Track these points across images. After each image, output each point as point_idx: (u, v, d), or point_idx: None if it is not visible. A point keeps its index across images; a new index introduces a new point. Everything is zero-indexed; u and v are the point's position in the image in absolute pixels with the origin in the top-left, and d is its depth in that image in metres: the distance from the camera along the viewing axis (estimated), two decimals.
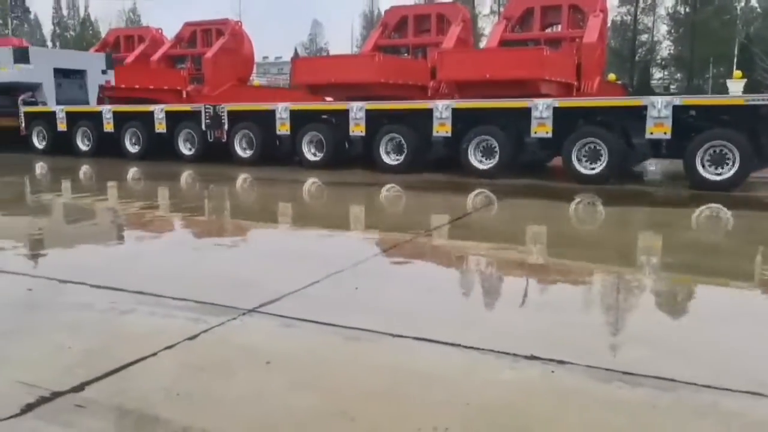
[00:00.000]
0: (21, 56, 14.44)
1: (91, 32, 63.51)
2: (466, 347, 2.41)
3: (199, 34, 21.96)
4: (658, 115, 7.61)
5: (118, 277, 3.39)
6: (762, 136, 7.24)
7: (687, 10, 42.20)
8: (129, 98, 18.23)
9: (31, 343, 2.48)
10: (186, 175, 9.20)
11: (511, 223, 5.67)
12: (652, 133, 7.67)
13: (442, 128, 8.92)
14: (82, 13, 70.99)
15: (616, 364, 2.29)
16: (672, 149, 7.73)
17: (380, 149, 9.39)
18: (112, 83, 16.01)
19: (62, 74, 14.93)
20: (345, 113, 9.83)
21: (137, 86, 18.49)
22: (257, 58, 25.88)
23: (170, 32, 22.69)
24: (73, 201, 7.16)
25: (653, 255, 4.45)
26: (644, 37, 44.83)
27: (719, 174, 7.26)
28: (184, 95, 20.22)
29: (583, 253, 4.29)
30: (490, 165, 8.61)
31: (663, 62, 45.21)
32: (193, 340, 2.49)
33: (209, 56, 20.94)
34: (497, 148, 8.53)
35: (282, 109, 10.25)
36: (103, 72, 16.28)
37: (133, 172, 9.74)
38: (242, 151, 10.72)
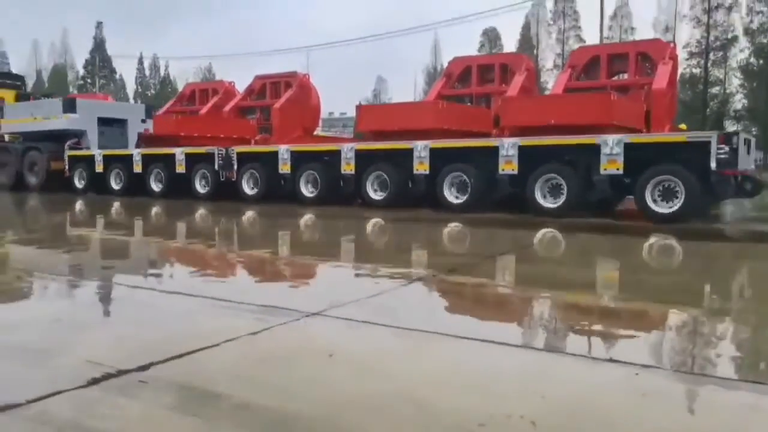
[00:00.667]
0: (69, 106, 15.85)
1: (169, 90, 67.52)
2: (536, 349, 2.29)
3: (268, 86, 22.96)
4: (611, 153, 7.97)
5: (188, 286, 3.44)
6: (708, 170, 7.32)
7: (761, 62, 41.01)
8: (199, 146, 19.07)
9: (102, 332, 2.52)
10: (250, 214, 9.41)
11: (571, 258, 5.47)
12: (605, 169, 7.99)
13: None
14: (162, 73, 75.82)
15: (707, 370, 2.10)
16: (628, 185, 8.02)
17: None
18: (151, 131, 16.94)
19: (105, 123, 16.18)
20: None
21: (209, 135, 19.35)
22: (323, 114, 26.73)
23: (242, 85, 23.83)
24: (126, 231, 7.43)
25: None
26: (716, 90, 43.70)
27: (670, 207, 7.50)
28: (252, 144, 21.00)
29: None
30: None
31: (736, 114, 43.76)
32: (256, 335, 2.47)
33: (277, 107, 21.77)
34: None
35: (284, 151, 11.09)
36: (143, 121, 17.58)
37: (184, 208, 10.08)
38: (249, 189, 11.43)
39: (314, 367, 2.10)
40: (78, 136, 15.57)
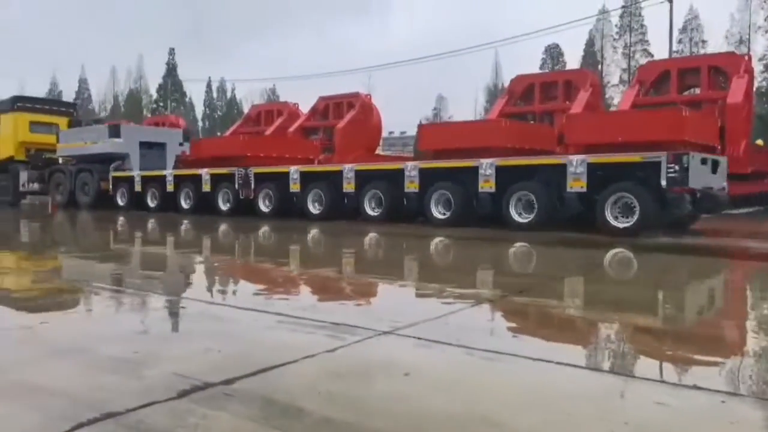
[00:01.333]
0: (114, 132, 17.46)
1: (236, 111, 69.86)
2: (613, 373, 2.24)
3: (331, 106, 23.45)
4: (575, 172, 8.57)
5: (260, 303, 3.55)
6: (662, 187, 7.86)
7: None
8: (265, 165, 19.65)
9: (185, 346, 2.64)
10: (314, 233, 9.59)
11: (644, 279, 5.29)
12: (571, 187, 8.60)
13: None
14: (229, 95, 78.58)
15: None
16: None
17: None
18: (188, 153, 18.35)
19: (147, 146, 17.72)
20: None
21: (274, 155, 19.87)
22: (383, 133, 27.03)
23: (306, 106, 24.42)
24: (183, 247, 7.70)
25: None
26: None
27: (627, 222, 8.15)
28: (316, 164, 21.43)
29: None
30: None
31: None
32: (332, 352, 2.52)
33: (340, 127, 22.18)
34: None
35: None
36: (180, 144, 18.83)
37: (242, 224, 10.34)
38: (265, 206, 12.19)
39: (391, 385, 2.13)
40: (122, 158, 17.10)
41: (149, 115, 56.52)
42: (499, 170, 9.56)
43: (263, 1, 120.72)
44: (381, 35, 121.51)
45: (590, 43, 54.96)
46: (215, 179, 13.92)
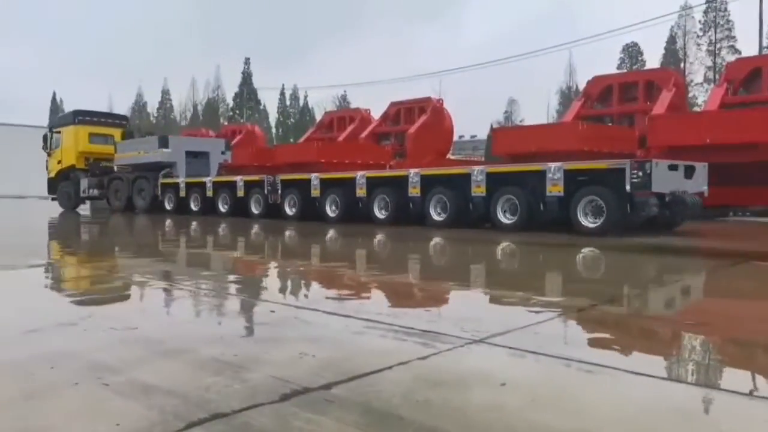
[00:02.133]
0: (163, 143, 19.25)
1: (308, 118, 71.36)
2: (726, 390, 2.12)
3: (403, 112, 23.53)
4: (554, 177, 9.23)
5: (346, 308, 3.60)
6: (627, 192, 8.52)
7: None
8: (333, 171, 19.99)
9: (280, 350, 2.71)
10: (381, 238, 9.63)
11: (744, 290, 5.00)
12: (550, 192, 9.26)
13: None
14: (301, 102, 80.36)
15: None
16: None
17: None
18: (229, 161, 20.31)
19: (192, 155, 19.45)
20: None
21: (347, 161, 20.15)
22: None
23: (377, 112, 24.63)
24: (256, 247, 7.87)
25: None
26: None
27: (595, 223, 8.89)
28: (387, 169, 21.56)
29: None
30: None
31: None
32: (425, 360, 2.53)
33: (411, 132, 22.23)
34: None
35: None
36: (222, 153, 20.62)
37: (311, 229, 10.49)
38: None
39: (489, 395, 2.10)
40: (170, 166, 18.81)
41: (226, 123, 58.59)
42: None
43: (336, 8, 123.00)
44: (453, 39, 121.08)
45: (671, 41, 52.70)
46: (248, 185, 15.17)
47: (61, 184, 22.11)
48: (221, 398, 2.04)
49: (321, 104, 69.59)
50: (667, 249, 7.56)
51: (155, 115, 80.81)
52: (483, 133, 69.26)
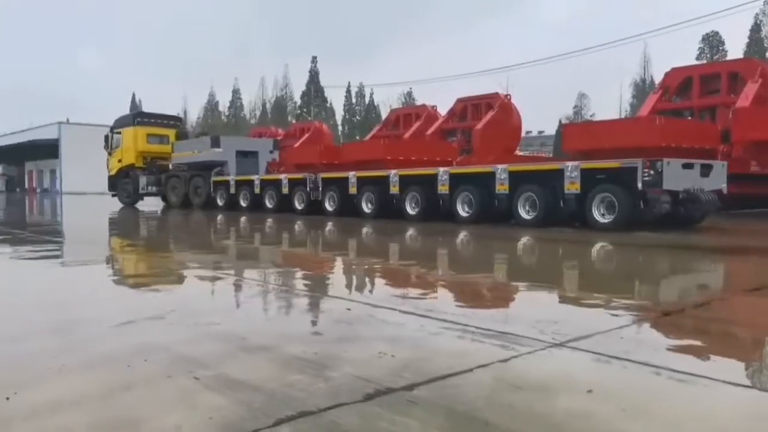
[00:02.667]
0: (215, 143, 20.56)
1: (373, 115, 71.78)
2: None
3: (469, 108, 23.29)
4: (571, 176, 9.70)
5: (422, 308, 3.60)
6: (639, 189, 8.96)
7: None
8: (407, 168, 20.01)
9: (360, 349, 2.73)
10: (462, 236, 9.56)
11: None
12: (568, 190, 9.72)
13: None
14: (367, 100, 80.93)
15: None
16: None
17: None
18: (277, 160, 21.69)
19: (242, 155, 20.60)
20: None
21: (413, 158, 20.12)
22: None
23: (444, 109, 24.48)
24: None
25: None
26: None
27: (608, 218, 9.32)
28: (454, 165, 21.40)
29: None
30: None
31: None
32: (506, 362, 2.49)
33: (478, 128, 21.96)
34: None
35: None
36: (270, 152, 21.84)
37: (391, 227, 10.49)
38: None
39: (575, 402, 2.05)
40: (221, 165, 19.97)
41: (294, 121, 59.77)
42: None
43: (404, 4, 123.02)
44: (522, 33, 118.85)
45: (756, 29, 49.75)
46: (292, 183, 16.28)
47: (121, 182, 23.83)
48: (306, 396, 2.08)
49: (386, 102, 69.90)
50: (711, 248, 7.16)
51: (226, 113, 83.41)
52: (551, 129, 67.66)
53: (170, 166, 22.48)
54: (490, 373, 2.36)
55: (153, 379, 2.30)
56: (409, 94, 72.07)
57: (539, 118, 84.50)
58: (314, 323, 3.43)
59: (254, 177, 17.97)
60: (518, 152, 26.85)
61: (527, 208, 10.41)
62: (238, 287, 4.82)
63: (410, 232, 10.10)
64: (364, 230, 10.66)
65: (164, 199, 22.83)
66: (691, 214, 9.72)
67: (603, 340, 2.82)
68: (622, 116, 54.12)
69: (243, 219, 14.37)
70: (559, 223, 10.11)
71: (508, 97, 23.24)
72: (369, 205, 13.80)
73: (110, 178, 24.68)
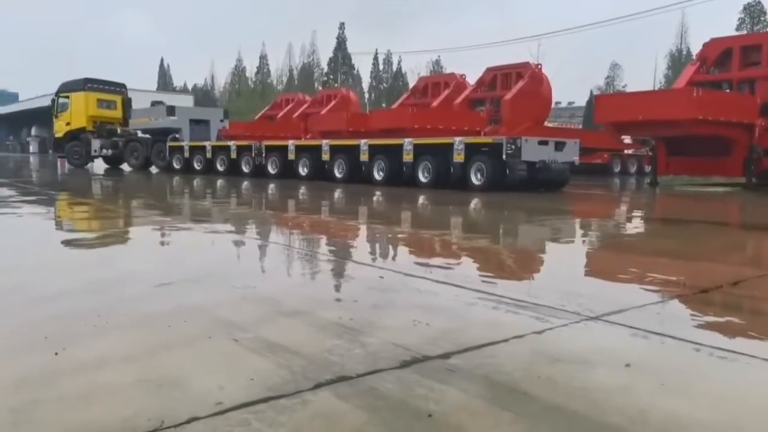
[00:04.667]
0: (170, 111, 22.86)
1: (401, 83, 71.06)
2: None
3: (499, 77, 22.90)
4: (458, 149, 12.20)
5: (456, 278, 3.60)
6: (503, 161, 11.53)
7: None
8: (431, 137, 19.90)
9: (394, 316, 2.74)
10: (476, 205, 9.49)
11: None
12: (456, 159, 12.24)
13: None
14: (394, 67, 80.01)
15: None
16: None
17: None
18: (227, 128, 24.31)
19: (195, 123, 23.00)
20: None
21: (441, 127, 19.95)
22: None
23: (473, 78, 24.08)
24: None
25: None
26: None
27: (480, 181, 11.89)
28: (482, 135, 21.16)
29: None
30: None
31: None
32: (541, 334, 2.48)
33: (508, 98, 21.62)
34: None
35: (458, 142, 12.68)
36: (221, 121, 24.29)
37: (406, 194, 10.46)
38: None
39: (613, 376, 2.04)
40: (177, 132, 22.09)
41: (320, 88, 59.47)
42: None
43: None
44: (555, 1, 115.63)
45: None
46: (239, 149, 18.10)
47: (70, 144, 24.89)
48: (344, 361, 2.10)
49: (414, 70, 69.05)
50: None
51: (253, 79, 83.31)
52: (581, 100, 66.30)
53: (134, 132, 24.52)
54: (526, 344, 2.36)
55: (194, 339, 2.35)
56: (437, 62, 71.11)
57: (569, 89, 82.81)
58: (348, 289, 3.45)
59: (206, 143, 19.83)
60: (547, 123, 26.41)
61: (425, 172, 13.01)
62: (273, 252, 4.88)
63: (421, 198, 10.08)
64: (375, 196, 10.65)
65: (111, 161, 24.91)
66: (549, 180, 12.12)
67: (639, 315, 2.79)
68: (657, 88, 52.78)
69: (220, 182, 15.35)
70: (449, 186, 12.38)
71: (539, 66, 22.80)
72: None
73: (57, 140, 25.90)
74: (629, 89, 61.33)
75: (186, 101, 45.37)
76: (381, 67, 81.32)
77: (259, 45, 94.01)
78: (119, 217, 7.57)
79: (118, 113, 25.29)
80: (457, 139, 12.36)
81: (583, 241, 6.32)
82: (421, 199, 10.43)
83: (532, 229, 7.04)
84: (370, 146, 14.43)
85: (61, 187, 13.53)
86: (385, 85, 79.47)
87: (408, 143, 13.42)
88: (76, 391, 1.82)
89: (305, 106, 29.50)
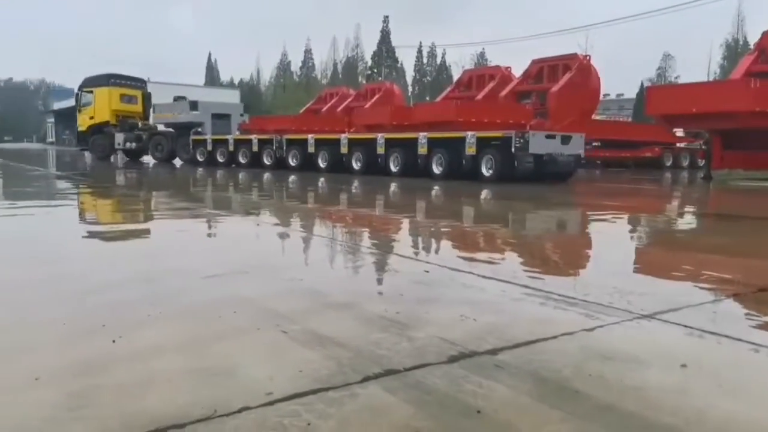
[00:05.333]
0: (193, 106, 23.73)
1: (444, 76, 70.58)
2: None
3: (546, 69, 22.48)
4: (470, 142, 12.85)
5: (502, 273, 3.56)
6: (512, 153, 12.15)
7: None
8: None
9: (441, 311, 2.73)
10: (487, 195, 9.36)
11: None
12: (468, 152, 12.91)
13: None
14: (438, 60, 79.52)
15: None
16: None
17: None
18: (246, 122, 25.23)
19: (217, 117, 23.90)
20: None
21: (486, 120, 19.74)
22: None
23: (519, 70, 23.70)
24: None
25: None
26: None
27: (490, 173, 12.57)
28: (528, 129, 20.84)
29: None
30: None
31: None
32: (591, 332, 2.44)
33: (554, 91, 21.22)
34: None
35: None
36: (241, 115, 25.30)
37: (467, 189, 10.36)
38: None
39: (669, 377, 1.98)
40: (199, 126, 23.05)
41: (364, 82, 59.59)
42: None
43: None
44: None
45: None
46: (261, 143, 18.81)
47: (93, 137, 25.77)
48: (392, 355, 2.11)
49: (458, 62, 68.46)
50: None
51: (298, 73, 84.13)
52: (630, 92, 64.56)
53: (155, 126, 25.41)
54: (577, 341, 2.32)
55: (243, 330, 2.39)
56: (482, 54, 70.31)
57: (618, 80, 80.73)
58: (394, 283, 3.45)
59: (228, 137, 20.58)
60: (595, 116, 25.82)
61: (439, 164, 13.81)
62: (317, 246, 4.93)
63: (435, 189, 9.99)
64: (391, 187, 10.61)
65: (132, 154, 25.51)
66: (557, 172, 12.76)
67: (694, 314, 2.71)
68: (711, 79, 50.87)
69: (241, 175, 15.70)
70: (461, 177, 13.03)
71: (587, 58, 22.28)
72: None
73: (80, 133, 26.76)
74: (682, 80, 59.36)
75: (232, 96, 46.20)
76: (425, 60, 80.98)
77: (304, 39, 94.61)
78: (170, 209, 7.78)
79: (138, 107, 26.11)
80: (469, 133, 13.10)
81: (632, 237, 6.17)
82: (439, 190, 10.57)
83: (580, 224, 6.91)
84: (386, 140, 15.15)
85: (110, 181, 13.98)
86: (428, 78, 79.08)
87: (422, 137, 14.09)
88: (133, 378, 1.88)
89: (349, 99, 29.61)
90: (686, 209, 9.42)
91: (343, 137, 16.40)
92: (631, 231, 6.63)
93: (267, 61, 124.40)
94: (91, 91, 25.80)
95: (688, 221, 7.76)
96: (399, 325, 2.45)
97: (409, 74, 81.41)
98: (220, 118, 23.92)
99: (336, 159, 16.28)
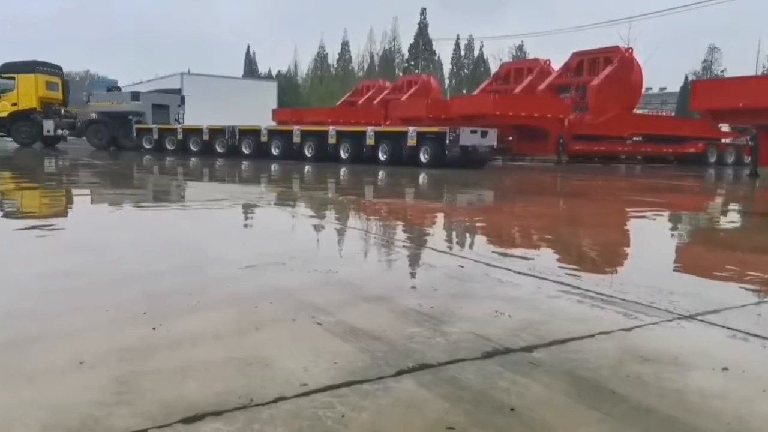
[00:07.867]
0: (134, 97, 25.17)
1: (482, 69, 69.86)
2: None
3: (586, 62, 22.05)
4: (411, 136, 15.81)
5: (537, 269, 3.52)
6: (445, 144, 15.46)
7: None
8: (512, 125, 19.48)
9: (475, 306, 2.72)
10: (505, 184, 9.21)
11: None
12: (410, 143, 15.84)
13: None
14: (476, 53, 78.75)
15: None
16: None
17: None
18: (183, 113, 26.66)
19: (157, 107, 25.07)
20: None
21: (523, 113, 19.46)
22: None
23: (558, 63, 23.29)
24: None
25: None
26: None
27: (427, 160, 15.60)
28: (566, 123, 20.49)
29: None
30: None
31: None
32: (629, 331, 2.39)
33: (594, 84, 20.80)
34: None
35: (370, 129, 17.05)
36: (179, 106, 26.46)
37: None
38: (246, 150, 19.73)
39: (709, 379, 1.94)
40: (141, 115, 24.19)
41: (401, 74, 59.43)
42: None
43: None
44: None
45: None
46: (212, 133, 20.63)
47: (17, 124, 25.45)
48: (426, 349, 2.11)
49: (496, 55, 67.62)
50: None
51: (335, 66, 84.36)
52: (674, 86, 62.88)
53: (77, 113, 26.53)
54: (613, 340, 2.28)
55: (279, 321, 2.43)
56: (521, 47, 69.35)
57: (661, 74, 78.56)
58: (429, 277, 3.44)
59: (177, 126, 22.50)
60: (637, 110, 25.22)
61: (384, 153, 16.55)
62: (351, 238, 4.96)
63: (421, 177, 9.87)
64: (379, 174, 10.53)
65: (51, 141, 25.53)
66: (476, 159, 15.72)
67: (737, 316, 2.64)
68: (760, 73, 49.20)
69: (218, 163, 15.90)
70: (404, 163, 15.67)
71: (629, 50, 21.78)
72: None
73: (1, 119, 25.92)
74: (728, 74, 57.45)
75: (270, 88, 46.46)
76: (462, 53, 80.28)
77: (341, 32, 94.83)
78: (196, 199, 7.92)
79: (59, 95, 26.34)
80: (410, 128, 16.16)
81: (673, 235, 6.03)
82: (422, 177, 10.29)
83: (621, 221, 6.77)
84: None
85: (142, 168, 14.29)
86: (466, 71, 78.42)
87: (370, 131, 16.85)
88: (173, 365, 1.93)
89: (386, 92, 29.57)
90: (730, 207, 9.16)
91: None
92: (672, 228, 6.48)
93: (305, 54, 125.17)
94: (13, 77, 25.15)
95: (732, 219, 7.55)
96: (433, 320, 2.45)
97: (446, 67, 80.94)
98: (160, 108, 25.16)
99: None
